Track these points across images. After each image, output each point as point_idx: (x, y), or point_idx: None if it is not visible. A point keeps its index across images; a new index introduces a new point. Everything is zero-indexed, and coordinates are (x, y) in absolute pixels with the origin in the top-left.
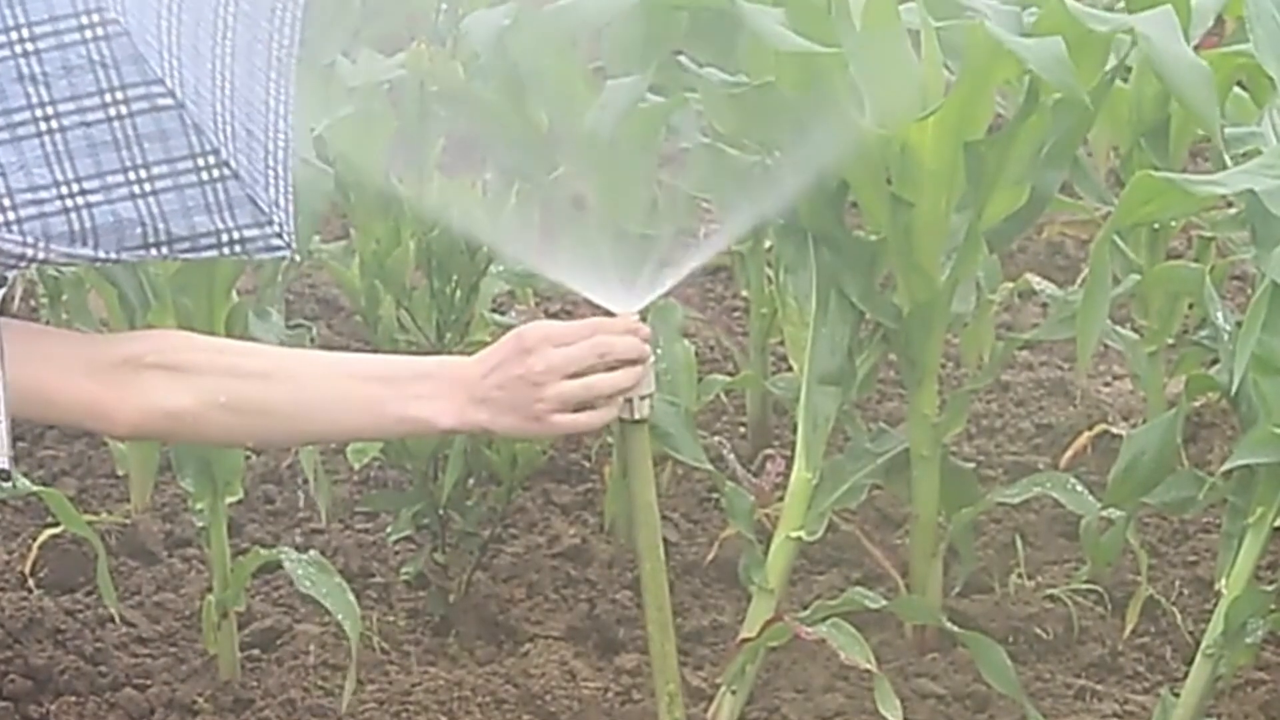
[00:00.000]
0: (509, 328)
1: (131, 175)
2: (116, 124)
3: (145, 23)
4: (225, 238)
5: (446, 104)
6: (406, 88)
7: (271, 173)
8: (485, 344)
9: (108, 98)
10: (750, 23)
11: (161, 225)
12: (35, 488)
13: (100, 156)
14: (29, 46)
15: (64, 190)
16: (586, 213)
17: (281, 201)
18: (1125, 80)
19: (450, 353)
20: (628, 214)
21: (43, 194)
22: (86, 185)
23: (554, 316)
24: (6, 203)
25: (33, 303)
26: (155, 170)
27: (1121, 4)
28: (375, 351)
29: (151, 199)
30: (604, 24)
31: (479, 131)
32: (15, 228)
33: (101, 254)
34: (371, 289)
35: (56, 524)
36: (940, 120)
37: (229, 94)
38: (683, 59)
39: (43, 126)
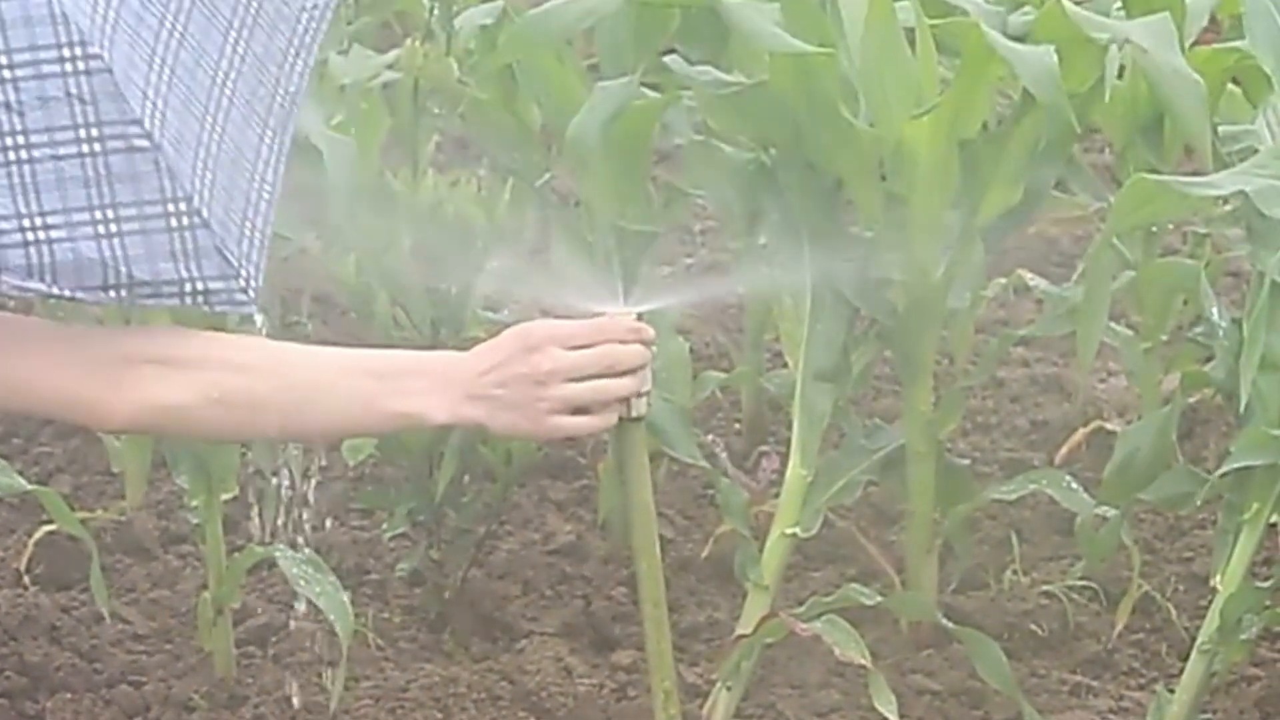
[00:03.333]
0: (503, 325)
1: (98, 214)
2: (88, 160)
3: (134, 60)
4: (189, 287)
5: (440, 102)
6: (400, 85)
7: (248, 224)
8: (480, 340)
9: (82, 133)
10: (741, 22)
11: (124, 268)
12: (30, 486)
13: (68, 192)
14: (5, 75)
15: (26, 223)
16: (581, 211)
17: (254, 255)
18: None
19: (445, 349)
20: (623, 212)
21: (2, 225)
22: (50, 220)
23: (549, 313)
24: None
25: None
26: (123, 211)
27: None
28: (369, 348)
29: (116, 240)
30: (592, 23)
31: (472, 129)
32: None
33: (56, 290)
34: (366, 285)
35: (52, 520)
36: (935, 118)
37: (216, 140)
38: (674, 58)
39: (11, 156)
